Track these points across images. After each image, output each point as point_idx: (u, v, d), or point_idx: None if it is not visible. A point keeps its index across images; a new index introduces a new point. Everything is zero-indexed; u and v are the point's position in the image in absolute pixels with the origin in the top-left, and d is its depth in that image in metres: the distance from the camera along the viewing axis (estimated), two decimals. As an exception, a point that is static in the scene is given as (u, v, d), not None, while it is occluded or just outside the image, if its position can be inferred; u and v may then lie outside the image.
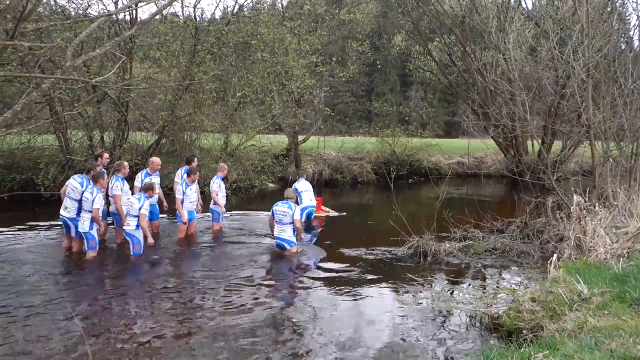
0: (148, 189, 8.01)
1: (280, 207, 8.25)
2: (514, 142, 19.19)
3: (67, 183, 8.06)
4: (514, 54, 10.83)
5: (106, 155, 8.83)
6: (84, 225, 7.44)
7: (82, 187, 7.71)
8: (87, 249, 7.51)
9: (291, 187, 9.77)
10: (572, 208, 8.09)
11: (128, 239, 7.77)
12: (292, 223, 8.17)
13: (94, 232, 7.49)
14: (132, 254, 7.72)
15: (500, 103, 14.76)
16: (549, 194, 9.94)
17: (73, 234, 7.86)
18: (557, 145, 16.66)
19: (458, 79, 22.43)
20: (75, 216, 7.66)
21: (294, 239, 8.22)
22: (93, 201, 7.32)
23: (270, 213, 8.42)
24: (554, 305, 4.86)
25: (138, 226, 7.68)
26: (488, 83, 14.79)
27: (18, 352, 4.61)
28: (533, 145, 20.47)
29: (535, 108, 12.87)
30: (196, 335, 5.07)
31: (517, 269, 7.69)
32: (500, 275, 7.46)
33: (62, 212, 7.87)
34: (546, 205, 9.44)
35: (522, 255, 8.31)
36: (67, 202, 7.82)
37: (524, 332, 4.74)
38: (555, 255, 6.53)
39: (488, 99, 17.93)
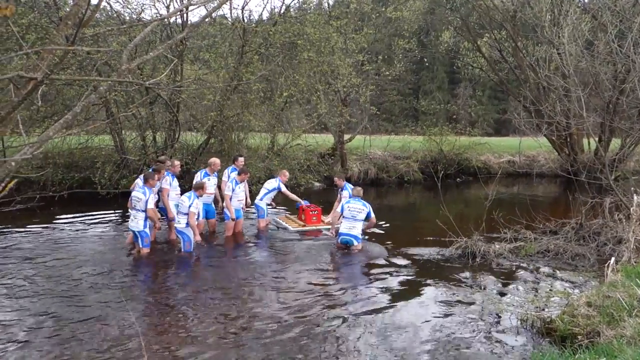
0: (198, 187, 8.23)
1: (354, 204, 8.41)
2: (568, 139, 18.42)
3: (135, 182, 8.38)
4: (569, 48, 10.42)
5: (168, 162, 9.05)
6: (138, 224, 7.71)
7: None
8: (141, 246, 7.78)
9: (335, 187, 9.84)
10: (631, 209, 7.74)
11: (179, 236, 8.03)
12: (363, 220, 8.34)
13: (147, 230, 7.77)
14: (182, 250, 7.96)
15: (554, 99, 14.23)
16: (606, 194, 9.52)
17: None
18: (615, 142, 15.88)
19: (508, 75, 21.77)
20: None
21: (360, 236, 8.39)
22: (146, 201, 7.61)
23: (339, 209, 8.63)
24: (611, 310, 4.66)
25: (188, 224, 7.91)
26: (541, 79, 14.29)
27: (74, 336, 4.85)
28: (589, 143, 19.61)
29: (592, 104, 12.30)
30: (245, 336, 5.14)
31: (571, 271, 7.40)
32: (553, 277, 7.19)
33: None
34: (603, 205, 9.02)
35: (576, 257, 7.99)
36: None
37: (579, 337, 4.57)
38: (613, 258, 6.26)
39: (540, 95, 17.30)
